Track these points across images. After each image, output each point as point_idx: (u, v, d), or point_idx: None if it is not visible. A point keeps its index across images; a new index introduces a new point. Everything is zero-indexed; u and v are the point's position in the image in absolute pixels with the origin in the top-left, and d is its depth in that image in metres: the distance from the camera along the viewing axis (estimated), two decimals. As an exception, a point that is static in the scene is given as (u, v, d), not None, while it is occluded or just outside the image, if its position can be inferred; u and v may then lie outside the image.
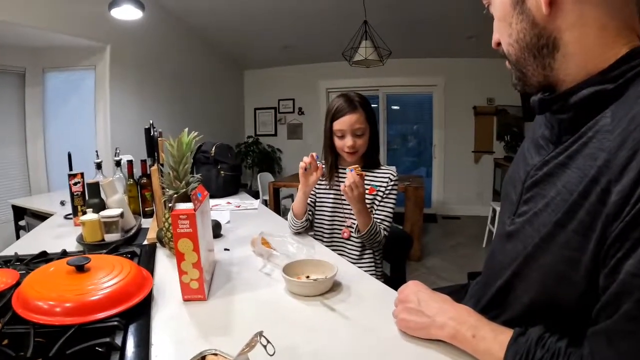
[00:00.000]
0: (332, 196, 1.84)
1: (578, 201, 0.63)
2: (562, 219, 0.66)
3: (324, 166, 1.80)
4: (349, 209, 1.76)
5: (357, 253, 1.79)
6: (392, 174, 1.80)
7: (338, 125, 1.75)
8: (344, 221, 1.82)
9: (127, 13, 3.35)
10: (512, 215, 0.84)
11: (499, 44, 0.79)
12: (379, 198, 1.78)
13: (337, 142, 1.78)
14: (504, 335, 0.74)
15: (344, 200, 1.78)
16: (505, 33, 0.75)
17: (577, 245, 0.63)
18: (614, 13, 0.65)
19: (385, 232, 1.72)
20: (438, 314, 0.85)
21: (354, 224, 1.74)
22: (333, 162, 1.83)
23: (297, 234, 1.81)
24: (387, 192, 1.78)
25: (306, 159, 1.68)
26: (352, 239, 1.79)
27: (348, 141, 1.73)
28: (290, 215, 1.82)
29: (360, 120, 1.73)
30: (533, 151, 0.84)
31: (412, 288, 0.96)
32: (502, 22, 0.75)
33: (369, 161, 1.81)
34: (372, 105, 1.84)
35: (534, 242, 0.72)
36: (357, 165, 1.63)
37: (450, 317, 0.83)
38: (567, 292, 0.67)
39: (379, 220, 1.72)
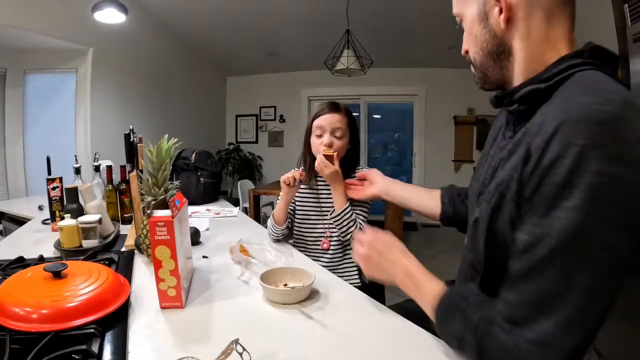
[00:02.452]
0: (312, 206, 1.84)
1: (513, 176, 0.76)
2: (504, 190, 0.79)
3: (303, 170, 1.80)
4: (328, 220, 1.77)
5: (336, 263, 1.80)
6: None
7: (318, 122, 1.75)
8: (323, 232, 1.82)
9: (110, 16, 3.33)
10: (477, 199, 0.95)
11: (467, 52, 0.95)
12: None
13: (314, 142, 1.77)
14: (439, 286, 0.92)
15: (324, 210, 1.79)
16: (472, 43, 0.91)
17: (510, 213, 0.77)
18: (553, 27, 0.81)
19: (360, 226, 1.71)
20: (395, 264, 1.06)
21: (333, 233, 1.76)
22: (311, 163, 1.79)
23: (277, 241, 1.83)
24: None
25: (289, 175, 1.69)
26: (331, 249, 1.80)
27: (325, 139, 1.72)
28: (270, 222, 1.83)
29: (341, 121, 1.74)
30: (496, 148, 0.96)
31: (386, 239, 1.12)
32: (470, 35, 0.91)
33: (348, 170, 1.79)
34: (354, 114, 1.85)
35: (488, 213, 0.83)
36: (325, 149, 1.68)
37: (402, 269, 1.03)
38: (504, 254, 0.80)
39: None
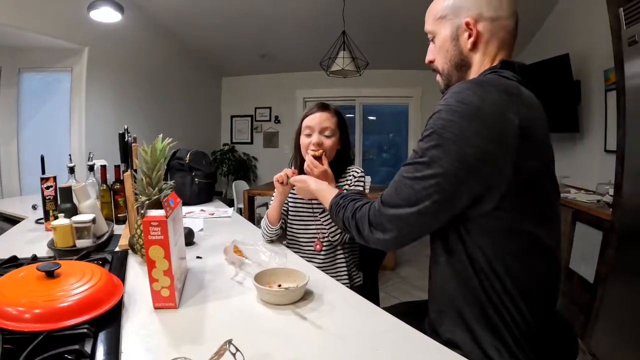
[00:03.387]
0: (304, 208, 1.85)
1: None
2: None
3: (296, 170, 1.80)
4: (320, 221, 1.78)
5: (329, 264, 1.81)
6: (355, 171, 1.82)
7: (307, 121, 1.76)
8: (316, 233, 1.82)
9: (106, 16, 3.33)
10: None
11: (431, 61, 1.21)
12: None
13: (304, 142, 1.76)
14: (336, 193, 1.39)
15: (317, 211, 1.79)
16: (442, 56, 1.17)
17: None
18: (500, 52, 1.10)
19: None
20: (314, 190, 1.51)
21: (325, 235, 1.76)
22: (302, 165, 1.76)
23: (270, 242, 1.82)
24: (351, 186, 1.78)
25: (282, 173, 1.68)
26: (323, 251, 1.80)
27: (314, 138, 1.72)
28: (264, 222, 1.83)
29: (330, 120, 1.74)
30: None
31: (305, 178, 1.57)
32: (441, 50, 1.16)
33: (338, 171, 1.80)
34: (349, 115, 1.85)
35: None
36: (314, 149, 1.69)
37: (317, 191, 1.49)
38: None
39: None
